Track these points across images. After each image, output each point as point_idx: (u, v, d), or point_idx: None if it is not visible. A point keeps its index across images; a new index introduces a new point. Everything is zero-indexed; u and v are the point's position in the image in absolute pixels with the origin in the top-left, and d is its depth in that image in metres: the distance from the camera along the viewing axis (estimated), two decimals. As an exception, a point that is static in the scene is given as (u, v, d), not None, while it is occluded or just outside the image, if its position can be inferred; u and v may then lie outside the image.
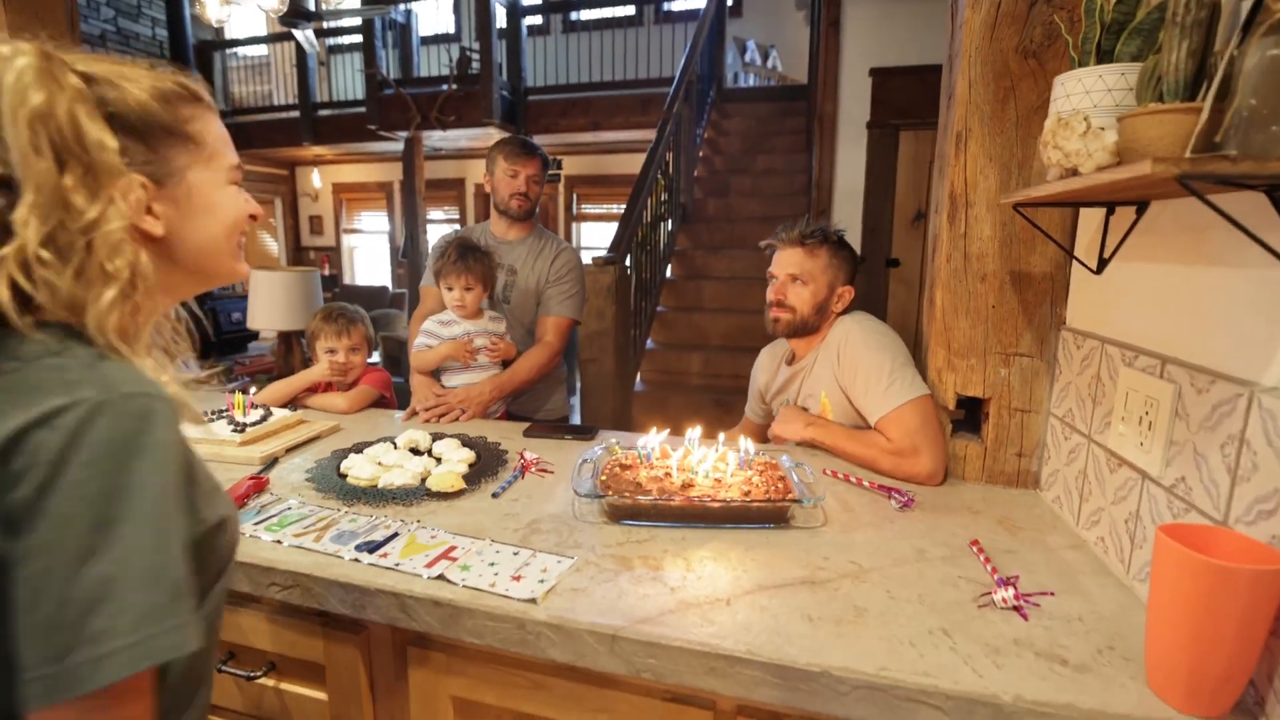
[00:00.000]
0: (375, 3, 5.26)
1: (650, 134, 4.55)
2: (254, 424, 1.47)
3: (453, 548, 1.01)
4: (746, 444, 1.27)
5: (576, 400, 3.91)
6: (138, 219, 0.61)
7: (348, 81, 7.89)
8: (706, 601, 0.88)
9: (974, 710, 0.72)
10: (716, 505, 1.11)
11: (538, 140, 6.18)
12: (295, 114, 7.13)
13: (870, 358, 1.40)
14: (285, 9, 3.70)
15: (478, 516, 1.14)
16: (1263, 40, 0.57)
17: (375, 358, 4.75)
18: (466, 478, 1.26)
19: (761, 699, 0.79)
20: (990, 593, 0.90)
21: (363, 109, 6.61)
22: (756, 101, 6.31)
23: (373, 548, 1.01)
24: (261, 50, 8.08)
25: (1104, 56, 0.85)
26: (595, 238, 8.15)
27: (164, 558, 0.52)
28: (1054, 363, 1.27)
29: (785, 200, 5.09)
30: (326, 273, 8.53)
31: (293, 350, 3.15)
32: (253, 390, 1.73)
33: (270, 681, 1.04)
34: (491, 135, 6.27)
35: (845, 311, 1.54)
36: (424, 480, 1.24)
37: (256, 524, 1.08)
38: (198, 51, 7.15)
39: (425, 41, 7.38)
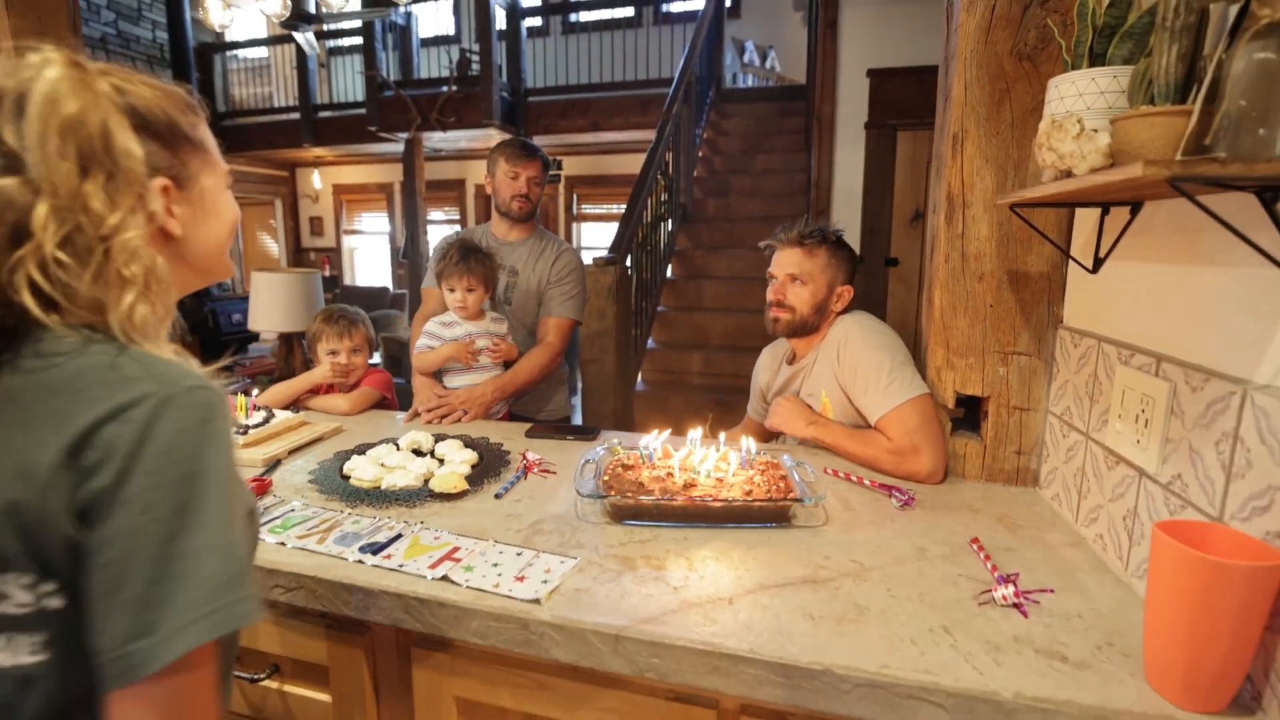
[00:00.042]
0: (376, 5, 5.26)
1: (650, 134, 4.56)
2: (256, 426, 1.48)
3: (456, 549, 1.02)
4: (748, 443, 1.28)
5: (578, 400, 3.92)
6: (164, 220, 0.64)
7: (348, 83, 7.90)
8: (709, 601, 0.89)
9: (975, 707, 0.73)
10: (718, 505, 1.12)
11: (538, 141, 6.19)
12: (295, 116, 7.14)
13: (870, 357, 1.41)
14: (288, 13, 3.71)
15: (481, 517, 1.14)
16: (1249, 45, 0.58)
17: (376, 358, 4.76)
18: (469, 479, 1.27)
19: (764, 698, 0.79)
20: (990, 590, 0.90)
21: (363, 110, 6.62)
22: (755, 102, 6.32)
23: (376, 549, 1.01)
24: (262, 52, 8.09)
25: (1096, 59, 0.86)
26: (595, 238, 8.16)
27: (231, 535, 0.55)
28: (1051, 361, 1.28)
29: (784, 200, 5.10)
30: (327, 274, 8.54)
31: (294, 352, 3.15)
32: (255, 392, 1.74)
33: (274, 684, 1.05)
34: (491, 136, 6.28)
35: (845, 311, 1.55)
36: (427, 481, 1.25)
37: (260, 526, 1.09)
38: (198, 54, 7.16)
39: (425, 43, 7.39)
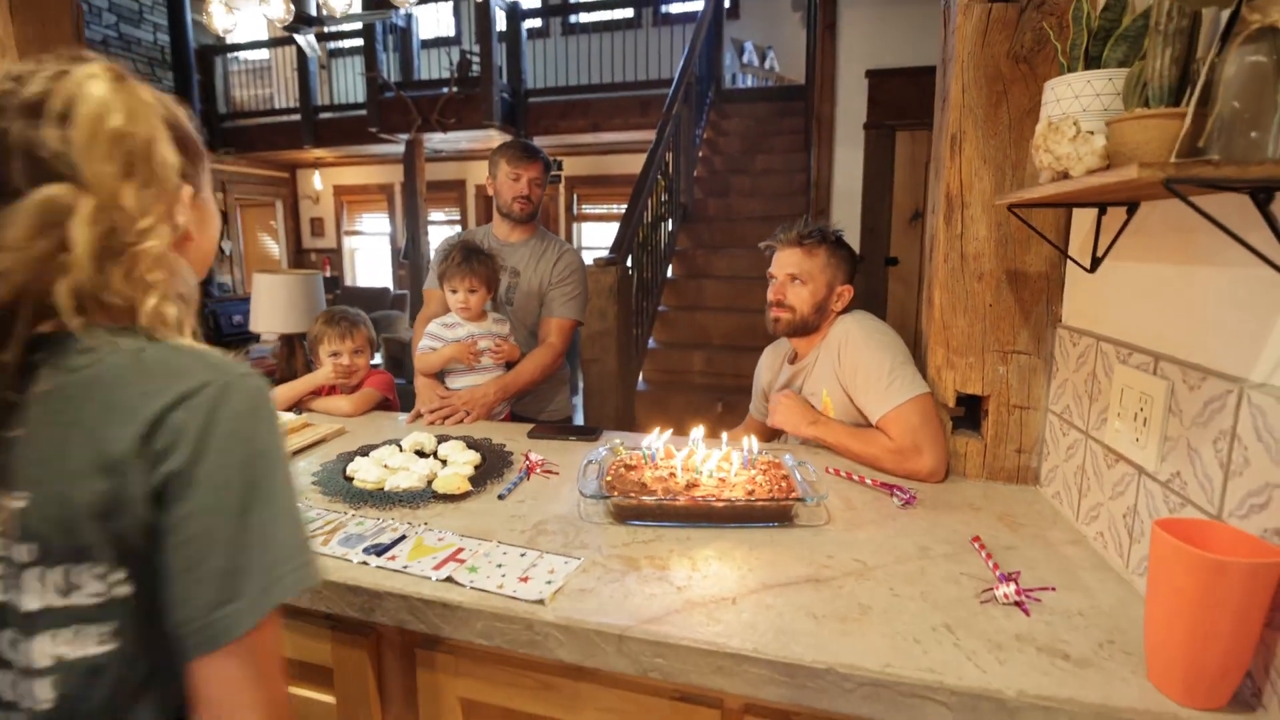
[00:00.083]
0: (377, 7, 5.27)
1: (649, 135, 4.56)
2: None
3: (460, 549, 1.03)
4: (750, 443, 1.28)
5: (579, 400, 3.92)
6: (192, 226, 0.67)
7: (349, 84, 7.90)
8: (712, 601, 0.89)
9: (978, 705, 0.73)
10: (721, 505, 1.12)
11: (538, 141, 6.21)
12: (296, 117, 7.14)
13: (870, 356, 1.41)
14: (291, 18, 3.73)
15: (484, 518, 1.15)
16: (1241, 48, 0.59)
17: (377, 359, 4.76)
18: (472, 480, 1.28)
19: (768, 697, 0.80)
20: (992, 589, 0.91)
21: (364, 112, 6.63)
22: (755, 102, 6.32)
23: (380, 550, 1.02)
24: (263, 54, 8.09)
25: (1092, 62, 0.87)
26: (595, 238, 8.17)
27: (295, 504, 0.61)
28: (1051, 360, 1.29)
29: (784, 200, 5.11)
30: (328, 274, 8.55)
31: (295, 353, 3.16)
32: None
33: (281, 683, 1.05)
34: (492, 137, 6.28)
35: (845, 310, 1.55)
36: (430, 483, 1.25)
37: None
38: (199, 56, 7.16)
39: (425, 45, 7.40)
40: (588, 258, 2.81)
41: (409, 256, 6.96)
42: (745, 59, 6.88)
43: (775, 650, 0.79)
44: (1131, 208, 0.98)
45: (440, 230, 8.42)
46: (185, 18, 6.92)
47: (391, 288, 8.36)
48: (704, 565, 0.99)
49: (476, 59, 6.10)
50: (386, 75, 6.48)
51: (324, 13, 3.84)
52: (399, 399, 1.99)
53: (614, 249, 3.64)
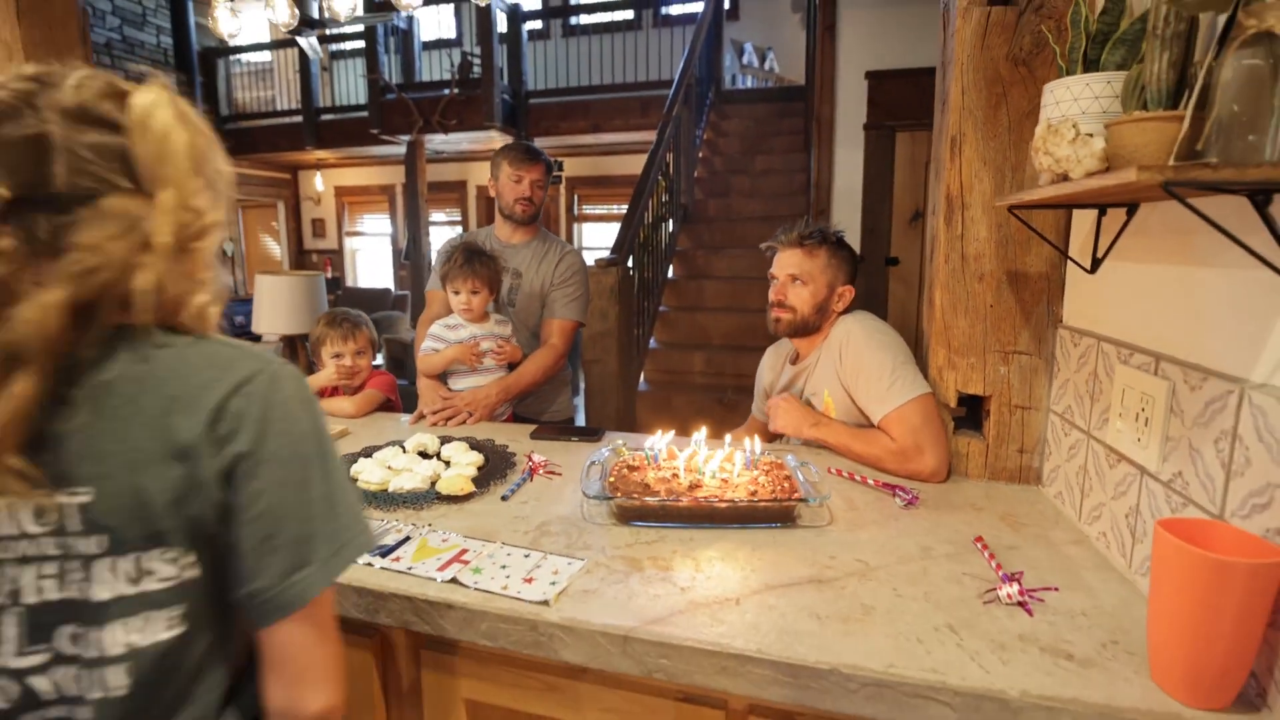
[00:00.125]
0: (379, 10, 5.28)
1: (650, 136, 4.57)
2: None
3: (464, 551, 1.03)
4: (753, 443, 1.29)
5: (580, 400, 3.93)
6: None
7: (350, 86, 7.90)
8: (716, 601, 0.90)
9: (981, 705, 0.73)
10: (724, 505, 1.12)
11: (539, 142, 6.21)
12: (298, 119, 7.16)
13: (872, 357, 1.41)
14: (296, 22, 3.74)
15: (488, 519, 1.15)
16: (1238, 52, 0.59)
17: (379, 360, 4.77)
18: (476, 481, 1.28)
19: (772, 698, 0.80)
20: (995, 589, 0.91)
21: (365, 113, 6.64)
22: (755, 103, 6.33)
23: (385, 552, 1.02)
24: (265, 56, 8.11)
25: (1090, 65, 0.87)
26: (596, 238, 8.18)
27: (346, 475, 0.68)
28: (1052, 360, 1.29)
29: (785, 200, 5.11)
30: (329, 275, 8.56)
31: (297, 355, 3.16)
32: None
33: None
34: (493, 138, 6.29)
35: (847, 311, 1.56)
36: (434, 484, 1.26)
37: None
38: (202, 58, 7.18)
39: (427, 46, 7.41)
40: (589, 258, 2.81)
41: (410, 257, 6.97)
42: (745, 60, 6.89)
43: (779, 651, 0.79)
44: (1131, 209, 0.98)
45: (441, 231, 8.43)
46: (188, 20, 6.94)
47: (393, 288, 8.37)
48: (707, 566, 1.00)
49: (477, 60, 6.11)
50: (388, 77, 6.49)
51: (327, 16, 3.84)
52: (401, 400, 2.00)
53: (615, 250, 3.65)
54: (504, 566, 0.98)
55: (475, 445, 1.48)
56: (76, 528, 0.56)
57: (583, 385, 3.70)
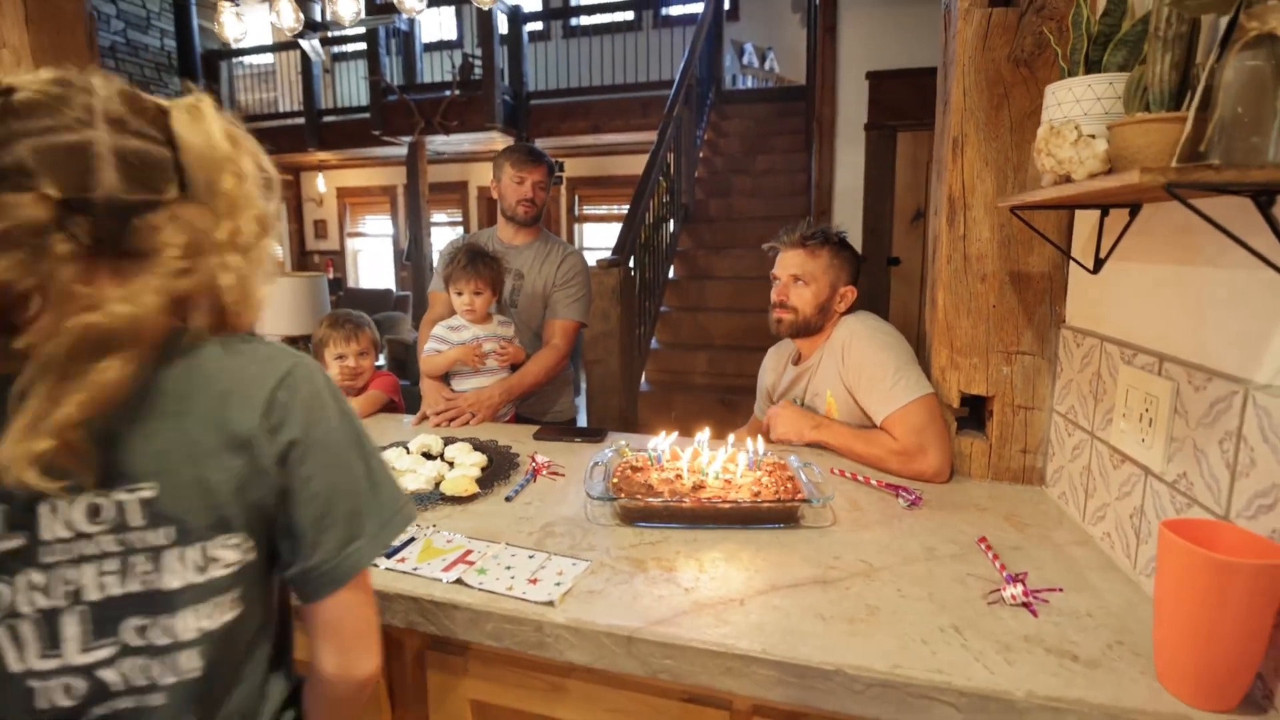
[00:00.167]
0: (381, 13, 5.29)
1: (650, 136, 4.57)
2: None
3: (469, 551, 1.03)
4: (756, 444, 1.29)
5: (582, 401, 3.93)
6: None
7: (352, 88, 7.93)
8: (720, 602, 0.90)
9: (986, 706, 0.73)
10: (727, 506, 1.13)
11: (540, 143, 6.22)
12: (300, 120, 7.17)
13: (874, 357, 1.42)
14: (301, 26, 3.75)
15: (492, 520, 1.16)
16: (1240, 54, 0.59)
17: (381, 361, 4.77)
18: (480, 482, 1.28)
19: (777, 698, 0.80)
20: (999, 589, 0.91)
21: (367, 115, 6.65)
22: (755, 103, 6.33)
23: (390, 553, 1.02)
24: (267, 59, 8.12)
25: (1092, 66, 0.87)
26: (597, 238, 8.18)
27: (380, 455, 0.72)
28: (1055, 360, 1.29)
29: (786, 200, 5.11)
30: (331, 276, 8.57)
31: (300, 357, 3.16)
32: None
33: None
34: (494, 139, 6.30)
35: (849, 311, 1.56)
36: (438, 485, 1.26)
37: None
38: (205, 61, 7.20)
39: (428, 48, 7.42)
40: (590, 259, 2.81)
41: (411, 258, 6.98)
42: (745, 60, 6.88)
43: (783, 651, 0.79)
44: (1134, 209, 0.98)
45: (443, 232, 8.43)
46: (192, 24, 6.95)
47: (394, 289, 8.38)
48: (711, 567, 1.00)
49: (478, 62, 6.12)
50: (389, 78, 6.50)
51: (330, 20, 3.85)
52: (404, 401, 2.00)
53: (616, 250, 3.65)
54: (509, 567, 0.98)
55: (479, 446, 1.48)
56: (139, 522, 0.59)
57: (584, 386, 3.70)
